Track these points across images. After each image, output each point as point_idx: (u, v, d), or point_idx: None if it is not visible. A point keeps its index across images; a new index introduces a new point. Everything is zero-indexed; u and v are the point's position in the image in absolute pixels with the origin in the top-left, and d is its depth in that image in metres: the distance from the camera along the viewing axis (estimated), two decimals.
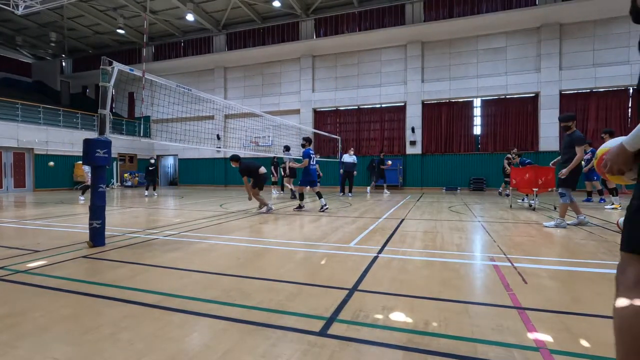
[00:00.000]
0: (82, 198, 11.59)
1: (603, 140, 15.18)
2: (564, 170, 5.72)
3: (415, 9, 17.68)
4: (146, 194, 14.33)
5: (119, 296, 2.63)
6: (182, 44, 23.22)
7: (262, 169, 7.98)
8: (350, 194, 13.56)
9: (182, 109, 15.81)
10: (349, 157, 13.42)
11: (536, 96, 16.38)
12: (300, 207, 8.53)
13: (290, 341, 1.94)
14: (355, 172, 13.66)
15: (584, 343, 1.91)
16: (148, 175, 14.33)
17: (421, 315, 2.28)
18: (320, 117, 20.14)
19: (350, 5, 18.85)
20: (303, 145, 8.82)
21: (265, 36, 20.83)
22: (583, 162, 9.92)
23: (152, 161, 14.69)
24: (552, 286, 2.85)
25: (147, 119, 23.60)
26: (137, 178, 22.34)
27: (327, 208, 8.22)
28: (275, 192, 14.97)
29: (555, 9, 15.20)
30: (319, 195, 8.46)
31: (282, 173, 13.78)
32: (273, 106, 20.57)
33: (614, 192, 9.16)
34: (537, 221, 6.57)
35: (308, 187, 8.71)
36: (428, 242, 4.64)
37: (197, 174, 23.06)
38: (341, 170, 13.61)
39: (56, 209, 8.86)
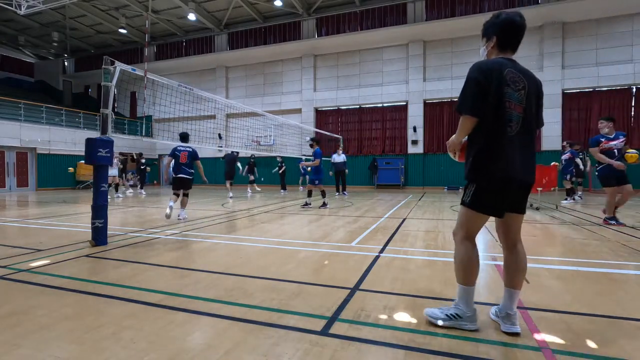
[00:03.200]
0: (119, 195, 12.60)
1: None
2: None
3: (417, 8, 17.63)
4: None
5: (121, 295, 2.64)
6: (184, 44, 23.24)
7: None
8: (345, 193, 13.59)
9: (183, 109, 15.82)
10: (338, 157, 13.48)
11: None
12: (307, 204, 9.00)
13: (292, 340, 1.94)
14: (346, 171, 13.78)
15: (587, 343, 1.90)
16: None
17: (423, 314, 2.28)
18: (322, 117, 20.12)
19: (352, 5, 18.83)
20: (311, 146, 9.19)
21: (267, 35, 20.82)
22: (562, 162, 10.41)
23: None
24: (555, 286, 2.85)
25: (149, 118, 23.62)
26: (138, 177, 22.37)
27: (327, 206, 8.82)
28: (249, 192, 15.11)
29: (558, 8, 15.13)
30: (324, 194, 8.95)
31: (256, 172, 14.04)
32: (275, 105, 20.57)
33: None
34: (539, 221, 6.55)
35: (317, 184, 9.00)
36: (430, 242, 4.64)
37: (198, 174, 23.07)
38: (330, 173, 13.68)
39: (59, 208, 8.89)
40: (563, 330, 2.05)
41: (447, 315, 2.09)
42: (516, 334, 1.97)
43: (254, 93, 21.59)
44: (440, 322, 2.10)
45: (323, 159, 9.30)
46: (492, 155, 1.92)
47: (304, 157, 10.27)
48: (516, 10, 2.06)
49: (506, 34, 2.02)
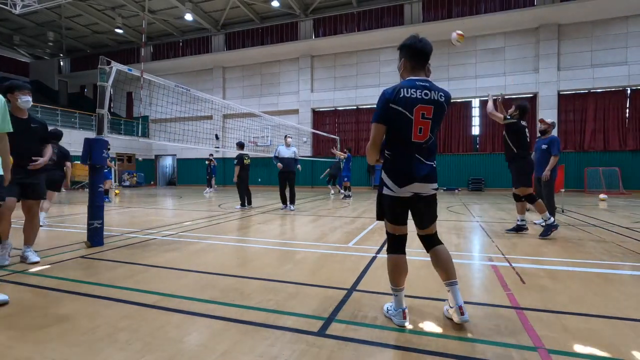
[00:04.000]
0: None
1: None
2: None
3: (414, 9, 17.69)
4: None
5: (117, 296, 2.63)
6: (181, 44, 23.18)
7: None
8: (349, 193, 13.60)
9: (180, 109, 15.78)
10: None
11: (534, 97, 16.42)
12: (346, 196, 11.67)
13: (288, 341, 1.93)
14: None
15: (582, 343, 1.91)
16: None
17: (419, 315, 2.29)
18: (319, 117, 20.13)
19: (349, 6, 18.86)
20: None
21: (264, 36, 20.82)
22: None
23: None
24: (550, 286, 2.86)
25: (145, 118, 23.55)
26: (135, 178, 22.28)
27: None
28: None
29: (554, 10, 15.23)
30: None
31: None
32: (272, 106, 20.56)
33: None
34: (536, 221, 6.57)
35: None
36: None
37: (195, 174, 23.01)
38: (327, 171, 13.96)
39: (54, 209, 8.82)
40: (559, 330, 2.06)
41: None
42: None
43: (251, 94, 21.56)
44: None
45: (321, 159, 9.31)
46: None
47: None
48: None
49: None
